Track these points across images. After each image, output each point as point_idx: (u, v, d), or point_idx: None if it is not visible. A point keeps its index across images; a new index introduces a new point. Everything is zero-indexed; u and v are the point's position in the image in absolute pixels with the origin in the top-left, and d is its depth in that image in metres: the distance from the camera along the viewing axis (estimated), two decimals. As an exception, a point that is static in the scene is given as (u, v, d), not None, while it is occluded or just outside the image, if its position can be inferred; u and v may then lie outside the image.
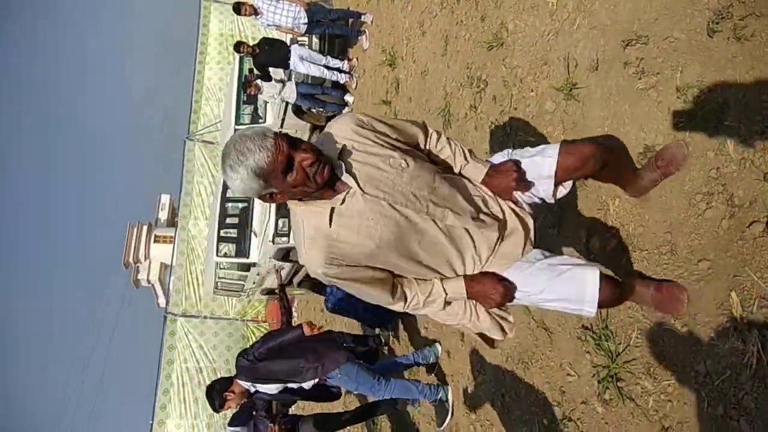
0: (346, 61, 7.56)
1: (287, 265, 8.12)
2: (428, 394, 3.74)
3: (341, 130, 1.62)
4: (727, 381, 1.73)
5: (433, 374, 4.03)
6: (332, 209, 1.52)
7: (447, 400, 3.71)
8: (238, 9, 6.84)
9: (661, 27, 2.16)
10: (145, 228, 35.95)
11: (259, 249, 8.62)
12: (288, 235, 7.93)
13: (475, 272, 1.73)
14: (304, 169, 1.43)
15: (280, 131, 1.46)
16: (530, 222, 1.78)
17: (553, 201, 1.78)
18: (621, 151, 2.27)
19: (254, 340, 9.25)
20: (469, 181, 1.78)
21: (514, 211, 1.75)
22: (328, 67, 7.38)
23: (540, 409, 2.70)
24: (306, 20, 6.93)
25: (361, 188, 1.53)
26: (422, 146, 1.77)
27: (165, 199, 38.34)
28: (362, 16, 7.15)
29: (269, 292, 9.77)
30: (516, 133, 3.17)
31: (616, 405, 2.20)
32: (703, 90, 1.93)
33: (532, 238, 1.77)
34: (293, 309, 9.41)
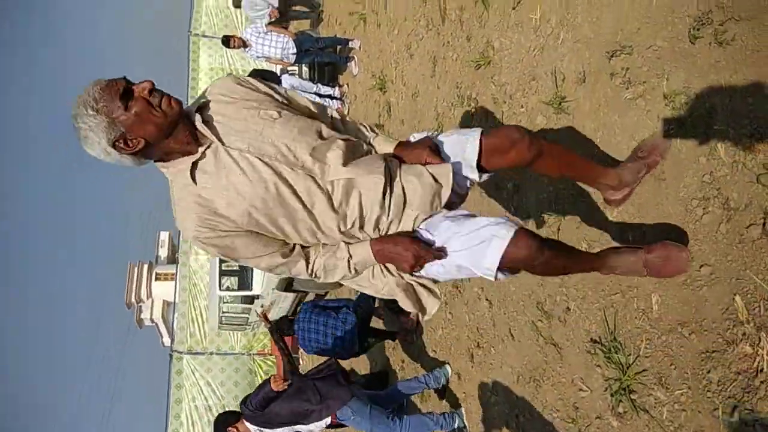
0: (336, 88, 7.63)
1: (290, 296, 8.09)
2: (444, 424, 3.69)
3: (215, 87, 1.57)
4: (740, 386, 1.71)
5: (444, 399, 3.97)
6: (193, 164, 1.45)
7: (465, 427, 3.66)
8: (227, 42, 6.93)
9: (644, 36, 2.18)
10: (145, 267, 35.85)
11: (262, 280, 8.60)
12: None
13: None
14: (144, 98, 1.38)
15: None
16: (446, 178, 1.61)
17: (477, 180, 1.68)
18: (569, 148, 2.17)
19: (261, 373, 9.15)
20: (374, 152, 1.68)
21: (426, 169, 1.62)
22: (319, 95, 7.44)
23: (555, 427, 2.66)
24: (294, 50, 7.01)
25: (220, 140, 1.45)
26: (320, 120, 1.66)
27: (164, 236, 38.29)
28: (350, 43, 7.24)
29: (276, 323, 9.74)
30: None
31: (630, 418, 2.17)
32: (690, 96, 1.94)
33: (443, 196, 1.62)
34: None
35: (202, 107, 1.52)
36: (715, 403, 1.79)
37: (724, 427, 1.76)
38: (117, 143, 1.40)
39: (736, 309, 1.73)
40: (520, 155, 1.62)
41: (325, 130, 1.58)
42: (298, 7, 9.06)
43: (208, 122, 1.48)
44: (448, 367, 4.01)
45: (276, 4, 7.61)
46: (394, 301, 1.79)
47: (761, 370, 1.65)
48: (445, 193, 1.61)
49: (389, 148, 1.68)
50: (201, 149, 1.45)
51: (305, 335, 4.62)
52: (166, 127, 1.41)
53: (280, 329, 4.70)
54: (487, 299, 3.45)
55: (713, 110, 1.86)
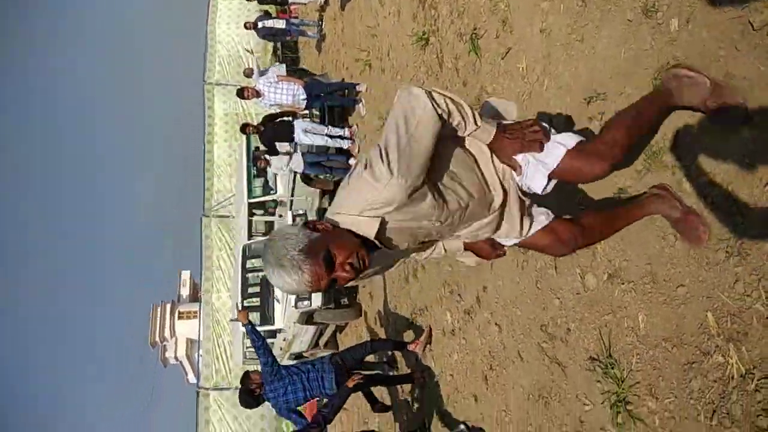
0: (346, 129, 8.00)
1: (311, 329, 8.32)
2: None
3: None
4: (716, 393, 1.93)
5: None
6: None
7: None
8: (241, 94, 7.35)
9: (616, 84, 2.46)
10: (168, 306, 36.32)
11: (283, 314, 8.85)
12: (310, 299, 8.17)
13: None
14: (348, 271, 1.50)
15: (314, 260, 1.47)
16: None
17: (540, 193, 1.79)
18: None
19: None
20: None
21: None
22: (330, 136, 7.81)
23: (564, 440, 2.86)
24: (305, 96, 7.41)
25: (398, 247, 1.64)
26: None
27: (185, 275, 38.84)
28: (357, 86, 7.63)
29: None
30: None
31: (629, 427, 2.38)
32: (657, 137, 2.21)
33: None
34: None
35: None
36: (698, 409, 2.01)
37: (707, 430, 1.97)
38: None
39: (709, 324, 1.97)
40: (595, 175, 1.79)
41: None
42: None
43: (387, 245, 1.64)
44: (463, 426, 4.16)
45: (283, 72, 8.08)
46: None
47: (732, 378, 1.87)
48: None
49: (488, 137, 1.69)
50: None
51: (276, 396, 4.71)
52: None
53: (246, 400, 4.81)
54: (497, 324, 3.68)
55: (676, 148, 2.12)
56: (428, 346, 5.02)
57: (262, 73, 7.70)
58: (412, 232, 1.63)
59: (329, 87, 7.75)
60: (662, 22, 2.19)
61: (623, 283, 2.42)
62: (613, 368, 2.46)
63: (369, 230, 1.53)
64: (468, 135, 1.67)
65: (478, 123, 1.63)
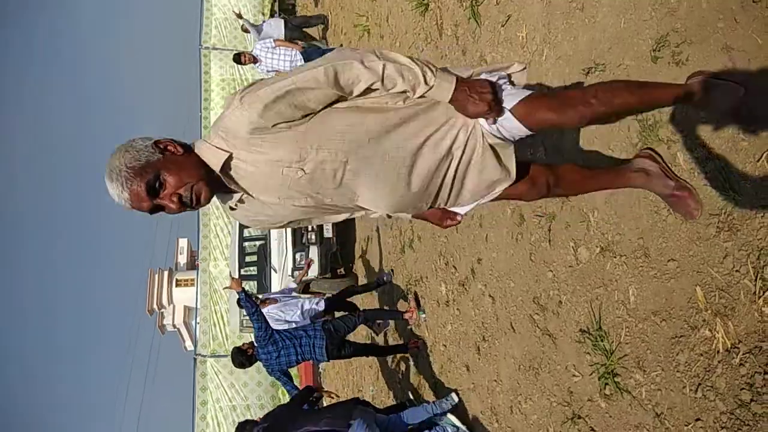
0: None
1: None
2: (439, 407, 4.10)
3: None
4: (702, 366, 1.95)
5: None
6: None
7: (457, 403, 4.06)
8: (238, 59, 7.24)
9: (614, 55, 2.42)
10: (166, 273, 36.49)
11: (280, 284, 8.90)
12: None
13: None
14: (174, 202, 1.48)
15: (139, 180, 1.45)
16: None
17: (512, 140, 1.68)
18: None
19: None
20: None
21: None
22: None
23: (553, 410, 2.91)
24: (303, 62, 7.30)
25: (250, 194, 1.59)
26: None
27: (183, 242, 38.93)
28: None
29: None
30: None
31: (616, 399, 2.41)
32: (653, 112, 2.18)
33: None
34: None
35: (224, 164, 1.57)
36: (684, 381, 2.03)
37: (692, 403, 2.00)
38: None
39: (698, 298, 1.97)
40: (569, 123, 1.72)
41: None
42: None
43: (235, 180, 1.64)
44: (454, 395, 4.23)
45: (281, 35, 7.95)
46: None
47: (718, 351, 1.89)
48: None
49: (447, 96, 1.56)
50: (233, 199, 1.68)
51: (269, 358, 4.83)
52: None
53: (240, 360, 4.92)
54: (490, 295, 3.70)
55: (672, 122, 2.10)
56: (423, 315, 5.06)
57: (258, 31, 7.59)
58: (275, 183, 1.54)
59: (327, 53, 7.64)
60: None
61: (615, 257, 2.42)
62: (602, 341, 2.48)
63: (214, 161, 1.50)
64: (420, 96, 1.56)
65: (430, 83, 1.53)
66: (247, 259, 10.02)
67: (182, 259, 38.46)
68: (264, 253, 9.34)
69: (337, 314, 5.86)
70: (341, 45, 8.06)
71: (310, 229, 8.17)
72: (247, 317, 10.01)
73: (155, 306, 36.23)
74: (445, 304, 4.54)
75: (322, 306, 6.04)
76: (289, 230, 8.36)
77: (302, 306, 5.92)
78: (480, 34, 3.72)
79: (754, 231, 1.76)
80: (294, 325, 5.50)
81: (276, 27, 8.00)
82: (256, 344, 4.87)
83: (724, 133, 1.89)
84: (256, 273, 10.56)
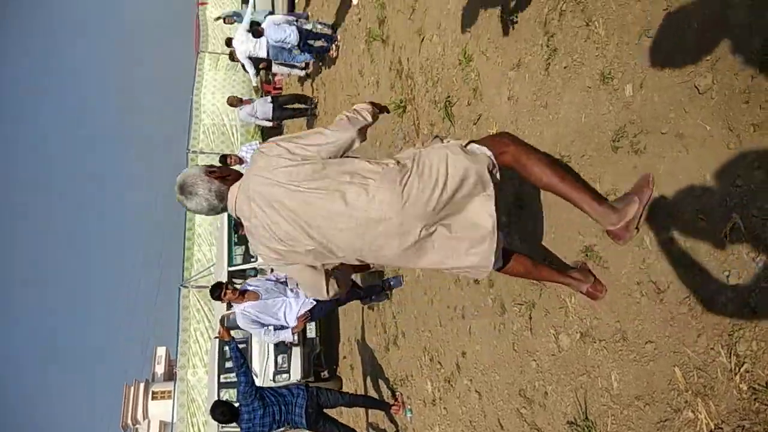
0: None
1: None
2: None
3: None
4: (690, 451, 1.90)
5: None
6: None
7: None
8: (224, 160, 7.46)
9: (578, 147, 2.56)
10: (141, 386, 34.97)
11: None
12: (289, 372, 7.96)
13: None
14: None
15: None
16: None
17: None
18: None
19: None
20: None
21: None
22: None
23: None
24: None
25: None
26: None
27: (161, 351, 37.72)
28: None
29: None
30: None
31: (608, 494, 2.30)
32: (618, 196, 2.28)
33: None
34: None
35: None
36: (674, 469, 1.96)
37: (685, 493, 1.92)
38: None
39: (677, 379, 1.96)
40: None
41: None
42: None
43: None
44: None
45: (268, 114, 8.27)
46: None
47: (703, 433, 1.84)
48: None
49: None
50: None
51: (252, 417, 4.64)
52: None
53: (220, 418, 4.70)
54: (476, 391, 3.61)
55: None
56: (410, 415, 4.89)
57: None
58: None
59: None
60: (618, 87, 2.31)
61: (595, 342, 2.41)
62: (591, 430, 2.41)
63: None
64: None
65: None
66: (228, 364, 9.69)
67: (159, 369, 37.05)
68: (245, 356, 9.05)
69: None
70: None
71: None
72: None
73: (129, 421, 34.34)
74: (432, 404, 4.40)
75: (308, 305, 5.27)
76: None
77: (285, 309, 5.20)
78: (454, 131, 3.92)
79: (723, 307, 1.79)
80: (271, 330, 5.10)
81: (263, 105, 8.34)
82: (239, 401, 4.65)
83: (684, 215, 1.97)
84: (235, 381, 10.16)
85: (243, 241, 10.05)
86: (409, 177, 1.89)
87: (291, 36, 8.00)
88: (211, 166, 2.15)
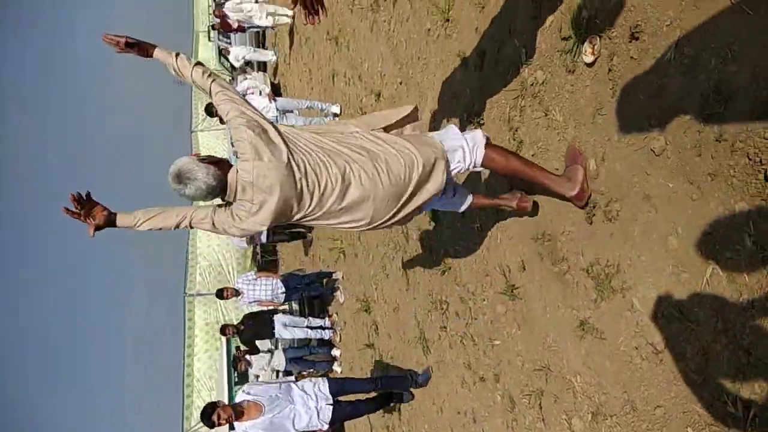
0: (326, 318, 8.02)
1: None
2: None
3: None
4: None
5: None
6: None
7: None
8: (221, 294, 7.47)
9: (557, 224, 2.65)
10: None
11: None
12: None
13: None
14: None
15: None
16: None
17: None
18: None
19: None
20: None
21: None
22: (311, 327, 7.79)
23: None
24: (283, 290, 7.55)
25: None
26: None
27: None
28: (333, 274, 7.85)
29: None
30: (483, 341, 3.46)
31: None
32: (602, 265, 2.33)
33: None
34: None
35: None
36: None
37: None
38: None
39: (693, 442, 1.88)
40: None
41: None
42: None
43: None
44: None
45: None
46: None
47: (733, 498, 1.74)
48: None
49: None
50: None
51: None
52: None
53: None
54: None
55: (620, 272, 2.23)
56: None
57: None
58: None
59: (307, 278, 7.95)
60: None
61: (607, 419, 2.33)
62: None
63: None
64: None
65: None
66: None
67: None
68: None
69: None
70: (320, 270, 8.47)
71: None
72: None
73: None
74: None
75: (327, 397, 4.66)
76: None
77: (294, 418, 4.50)
78: (442, 232, 4.04)
79: (719, 355, 1.78)
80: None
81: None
82: None
83: (664, 270, 2.01)
84: None
85: (244, 379, 9.77)
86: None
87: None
88: (198, 155, 2.25)
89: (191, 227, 2.27)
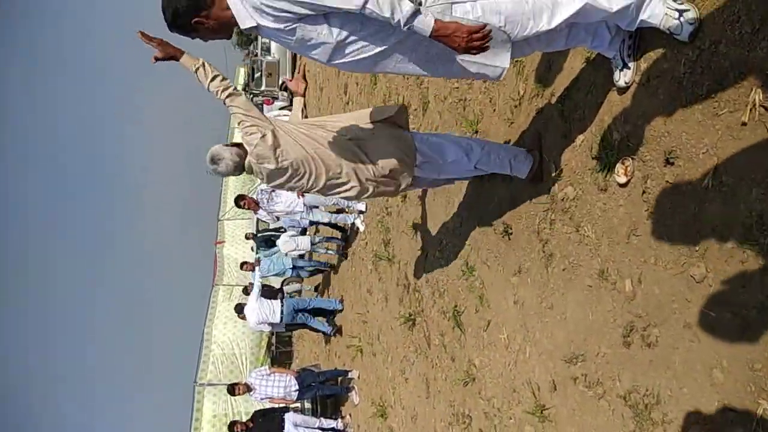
0: (339, 420, 7.69)
1: None
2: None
3: None
4: None
5: None
6: None
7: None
8: (232, 390, 7.25)
9: (591, 345, 2.55)
10: None
11: None
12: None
13: None
14: None
15: None
16: None
17: None
18: None
19: None
20: None
21: None
22: (322, 429, 7.46)
23: None
24: (297, 387, 7.31)
25: None
26: None
27: None
28: (349, 373, 7.61)
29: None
30: (508, 462, 3.25)
31: None
32: (641, 394, 2.21)
33: None
34: None
35: None
36: None
37: None
38: None
39: None
40: None
41: None
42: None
43: None
44: None
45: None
46: None
47: None
48: None
49: None
50: None
51: None
52: None
53: None
54: None
55: (660, 403, 2.10)
56: None
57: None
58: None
59: (321, 376, 7.72)
60: (617, 284, 2.40)
61: None
62: None
63: None
64: None
65: None
66: None
67: None
68: None
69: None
70: (335, 368, 8.22)
71: None
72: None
73: None
74: None
75: None
76: None
77: None
78: (465, 340, 3.92)
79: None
80: None
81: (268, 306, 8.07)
82: None
83: (709, 407, 1.89)
84: None
85: None
86: None
87: (301, 244, 8.34)
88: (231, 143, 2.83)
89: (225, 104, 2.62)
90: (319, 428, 7.44)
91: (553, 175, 2.87)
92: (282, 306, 7.85)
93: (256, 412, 7.66)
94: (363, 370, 7.24)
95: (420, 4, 1.97)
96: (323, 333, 9.02)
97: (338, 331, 8.49)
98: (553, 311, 2.87)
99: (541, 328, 2.98)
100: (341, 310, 8.41)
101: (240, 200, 7.81)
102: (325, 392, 7.91)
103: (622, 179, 2.38)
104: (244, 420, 7.58)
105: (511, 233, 3.32)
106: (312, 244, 8.98)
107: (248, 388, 7.30)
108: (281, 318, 7.78)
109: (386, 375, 6.08)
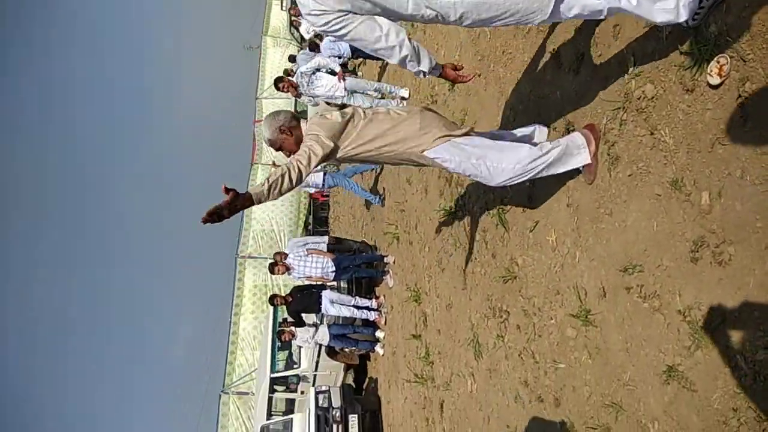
0: (374, 299, 7.97)
1: None
2: None
3: None
4: None
5: None
6: None
7: None
8: (272, 269, 7.50)
9: (651, 257, 2.42)
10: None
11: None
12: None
13: None
14: None
15: None
16: None
17: None
18: None
19: None
20: None
21: None
22: (357, 307, 7.76)
23: None
24: (333, 269, 7.52)
25: None
26: None
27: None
28: (385, 258, 7.75)
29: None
30: (545, 361, 3.28)
31: None
32: (703, 311, 2.10)
33: None
34: None
35: None
36: None
37: None
38: None
39: None
40: None
41: None
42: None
43: None
44: None
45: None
46: None
47: None
48: None
49: None
50: None
51: None
52: None
53: None
54: None
55: (725, 323, 2.00)
56: None
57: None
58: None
59: (358, 260, 7.90)
60: (692, 196, 2.21)
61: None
62: None
63: None
64: None
65: None
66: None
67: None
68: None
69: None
70: (371, 252, 8.37)
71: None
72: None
73: None
74: None
75: None
76: (312, 420, 7.92)
77: None
78: (509, 238, 3.83)
79: None
80: None
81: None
82: None
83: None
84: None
85: (286, 347, 9.92)
86: None
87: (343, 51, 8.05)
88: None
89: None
90: (353, 306, 7.74)
91: (631, 70, 2.58)
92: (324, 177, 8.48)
93: (295, 287, 7.98)
94: (399, 257, 7.35)
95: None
96: (367, 201, 9.14)
97: (383, 200, 8.46)
98: (612, 218, 2.72)
99: (596, 233, 2.85)
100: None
101: (279, 82, 7.53)
102: (361, 274, 8.13)
103: (715, 80, 2.10)
104: (283, 294, 7.93)
105: (572, 131, 3.09)
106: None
107: (287, 269, 7.53)
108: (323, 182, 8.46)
109: (422, 264, 6.15)
